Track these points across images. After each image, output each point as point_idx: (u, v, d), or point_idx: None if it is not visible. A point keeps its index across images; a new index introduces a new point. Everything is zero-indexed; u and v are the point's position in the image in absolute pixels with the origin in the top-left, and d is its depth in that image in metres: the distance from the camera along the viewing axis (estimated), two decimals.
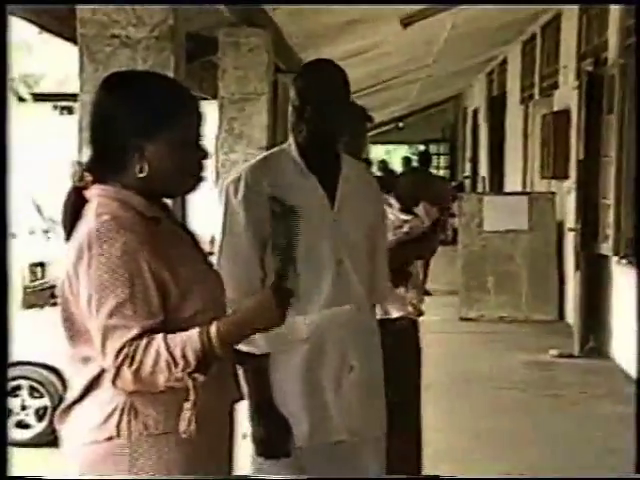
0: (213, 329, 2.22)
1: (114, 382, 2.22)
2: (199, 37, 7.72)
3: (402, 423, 4.07)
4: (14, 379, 6.99)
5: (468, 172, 23.98)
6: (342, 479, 3.13)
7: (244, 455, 3.00)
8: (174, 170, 2.34)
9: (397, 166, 23.47)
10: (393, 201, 4.52)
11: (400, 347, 4.38)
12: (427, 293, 9.92)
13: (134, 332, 2.19)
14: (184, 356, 2.19)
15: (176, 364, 2.19)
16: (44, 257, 11.51)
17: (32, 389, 7.15)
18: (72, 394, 2.34)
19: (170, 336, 2.20)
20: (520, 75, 15.31)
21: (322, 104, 3.08)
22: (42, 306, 9.51)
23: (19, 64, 15.58)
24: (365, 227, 3.20)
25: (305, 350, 3.06)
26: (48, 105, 18.59)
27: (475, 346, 9.80)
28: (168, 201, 2.48)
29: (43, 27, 6.04)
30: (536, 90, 13.69)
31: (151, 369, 2.18)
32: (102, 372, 2.26)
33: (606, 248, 8.79)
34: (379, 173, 17.84)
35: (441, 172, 28.20)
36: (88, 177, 2.35)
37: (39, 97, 18.02)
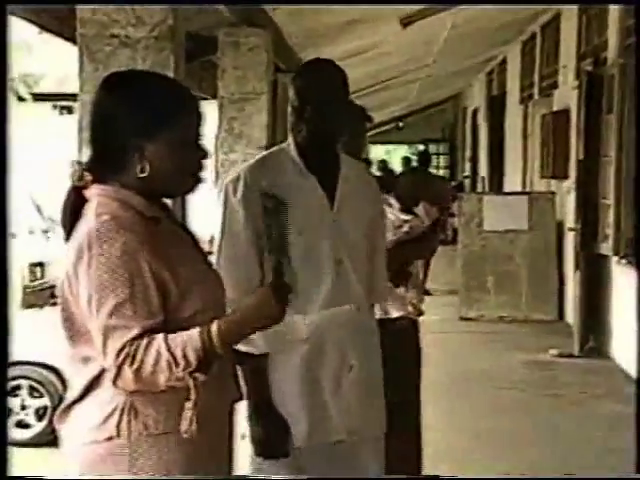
0: (214, 328, 2.22)
1: (115, 382, 2.22)
2: (199, 37, 7.72)
3: (402, 423, 4.07)
4: (14, 379, 6.99)
5: (468, 172, 23.99)
6: (342, 479, 3.12)
7: (243, 455, 3.00)
8: (174, 170, 2.34)
9: (397, 166, 23.47)
10: (393, 201, 4.52)
11: (400, 347, 4.38)
12: (427, 293, 9.93)
13: (134, 332, 2.19)
14: (185, 356, 2.19)
15: (177, 364, 2.19)
16: (44, 257, 11.51)
17: (32, 389, 7.16)
18: (72, 394, 2.34)
19: (171, 336, 2.20)
20: (520, 75, 15.31)
21: (321, 104, 3.08)
22: (42, 306, 9.51)
23: (19, 64, 15.57)
24: (364, 227, 3.20)
25: (304, 350, 3.06)
26: (48, 105, 18.59)
27: (475, 346, 9.80)
28: (168, 201, 2.48)
29: (43, 27, 6.04)
30: (536, 90, 13.69)
31: (152, 369, 2.18)
32: (102, 372, 2.26)
33: (606, 248, 8.79)
34: (379, 173, 17.84)
35: (441, 172, 28.19)
36: (88, 177, 2.35)
37: (39, 97, 18.02)
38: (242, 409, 2.91)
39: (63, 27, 5.50)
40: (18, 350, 4.93)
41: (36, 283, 11.12)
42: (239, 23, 7.68)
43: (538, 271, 11.06)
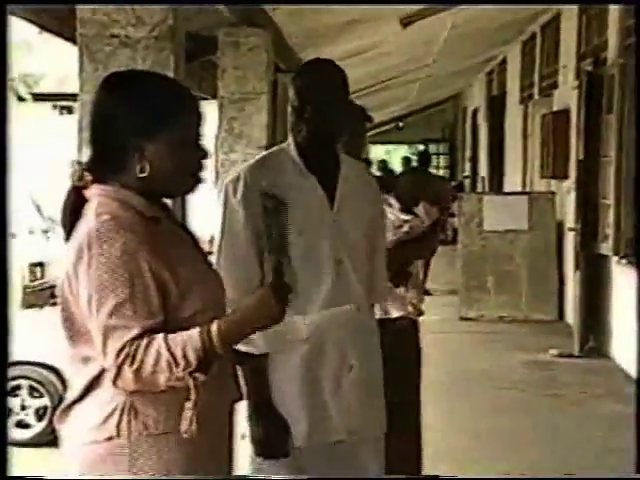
0: (214, 328, 2.22)
1: (115, 382, 2.22)
2: (199, 37, 7.72)
3: (402, 423, 4.07)
4: (14, 379, 6.99)
5: (468, 172, 23.99)
6: (342, 479, 3.12)
7: (243, 455, 3.00)
8: (174, 170, 2.34)
9: (397, 166, 23.47)
10: (393, 201, 4.52)
11: (400, 347, 4.38)
12: (427, 293, 9.92)
13: (134, 332, 2.19)
14: (185, 356, 2.19)
15: (177, 364, 2.19)
16: (44, 257, 11.51)
17: (32, 389, 7.16)
18: (72, 394, 2.33)
19: (171, 336, 2.20)
20: (520, 75, 15.31)
21: (321, 104, 3.08)
22: (42, 306, 9.51)
23: (19, 64, 15.58)
24: (364, 227, 3.20)
25: (304, 350, 3.06)
26: (48, 105, 18.60)
27: (475, 346, 9.80)
28: (168, 201, 2.48)
29: (43, 27, 6.04)
30: (536, 90, 13.69)
31: (152, 369, 2.18)
32: (102, 372, 2.26)
33: (606, 248, 8.80)
34: (379, 173, 17.84)
35: (441, 172, 28.20)
36: (88, 177, 2.35)
37: (39, 97, 18.02)
38: (242, 409, 2.91)
39: (63, 27, 5.50)
40: (18, 350, 4.93)
41: (36, 283, 11.12)
42: (239, 23, 7.68)
43: (538, 271, 11.06)
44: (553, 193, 11.40)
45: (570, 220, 10.09)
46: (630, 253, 8.30)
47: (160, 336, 2.20)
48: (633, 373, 7.85)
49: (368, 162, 12.75)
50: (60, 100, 18.16)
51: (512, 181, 15.89)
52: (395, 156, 31.85)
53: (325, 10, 8.42)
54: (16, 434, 6.95)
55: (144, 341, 2.19)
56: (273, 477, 3.07)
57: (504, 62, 17.39)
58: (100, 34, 4.22)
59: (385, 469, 3.33)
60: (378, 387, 3.26)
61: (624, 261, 8.40)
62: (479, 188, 20.29)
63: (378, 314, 3.99)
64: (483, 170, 20.14)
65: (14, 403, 7.08)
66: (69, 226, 2.33)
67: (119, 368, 2.19)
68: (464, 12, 10.41)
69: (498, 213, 11.19)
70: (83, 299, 2.23)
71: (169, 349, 2.18)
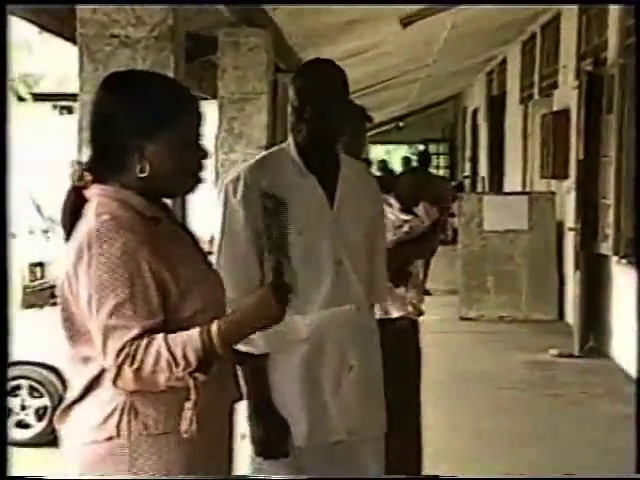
0: (214, 328, 2.22)
1: (115, 382, 2.22)
2: (199, 37, 7.72)
3: (402, 423, 4.07)
4: (14, 379, 6.99)
5: (468, 172, 23.99)
6: (342, 479, 3.12)
7: (243, 455, 3.00)
8: (174, 170, 2.34)
9: (397, 166, 23.47)
10: (393, 201, 4.52)
11: (400, 347, 4.38)
12: (427, 293, 9.92)
13: (134, 332, 2.19)
14: (185, 356, 2.19)
15: (177, 364, 2.19)
16: (44, 257, 11.51)
17: (32, 389, 7.16)
18: (72, 394, 2.33)
19: (171, 336, 2.20)
20: (520, 75, 15.31)
21: (321, 104, 3.08)
22: (42, 306, 9.51)
23: (19, 64, 15.57)
24: (364, 227, 3.20)
25: (304, 350, 3.06)
26: (48, 105, 18.59)
27: (475, 346, 9.80)
28: (168, 201, 2.48)
29: (43, 27, 6.04)
30: (536, 90, 13.69)
31: (152, 369, 2.18)
32: (102, 372, 2.26)
33: (606, 248, 8.80)
34: (379, 173, 17.84)
35: (441, 172, 28.20)
36: (88, 177, 2.35)
37: (39, 97, 18.01)
38: (242, 409, 2.91)
39: (63, 27, 5.50)
40: (18, 350, 4.93)
41: (36, 283, 11.13)
42: (239, 23, 7.68)
43: (538, 271, 11.06)
44: (553, 193, 11.40)
45: (570, 220, 10.09)
46: (630, 253, 8.30)
47: (160, 336, 2.20)
48: (633, 373, 7.85)
49: (368, 162, 12.74)
50: (60, 100, 18.16)
51: (512, 181, 15.89)
52: (395, 156, 31.85)
53: (325, 10, 8.42)
54: (16, 434, 6.95)
55: (144, 341, 2.19)
56: (273, 477, 3.07)
57: (504, 62, 17.39)
58: (100, 34, 4.22)
59: (385, 469, 3.33)
60: (378, 387, 3.26)
61: (624, 261, 8.41)
62: (479, 188, 20.29)
63: (378, 314, 3.99)
64: (483, 170, 20.14)
65: (14, 403, 7.08)
66: (69, 226, 2.33)
67: (119, 368, 2.19)
68: (464, 12, 10.41)
69: (498, 213, 11.19)
70: (83, 299, 2.23)
71: (169, 349, 2.18)
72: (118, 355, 2.18)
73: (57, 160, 10.45)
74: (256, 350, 2.96)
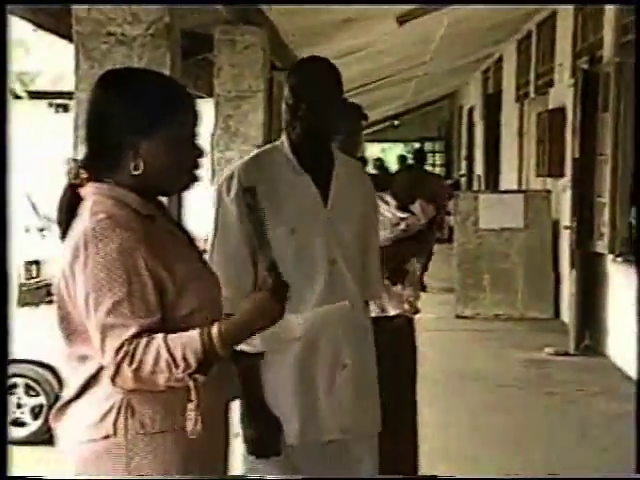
0: (214, 330, 2.21)
1: (114, 380, 2.21)
2: (195, 35, 7.71)
3: (398, 421, 4.08)
4: (10, 377, 6.98)
5: (464, 170, 24.00)
6: (338, 479, 3.12)
7: (236, 454, 3.00)
8: (169, 168, 2.33)
9: (393, 164, 23.47)
10: (389, 199, 4.52)
11: (396, 345, 4.39)
12: (424, 288, 9.91)
13: (132, 330, 2.19)
14: (185, 357, 2.18)
15: (176, 365, 2.18)
16: (39, 255, 11.49)
17: (28, 387, 7.15)
18: (68, 392, 2.33)
19: (170, 336, 2.19)
20: (516, 73, 15.32)
21: (316, 102, 3.07)
22: (37, 304, 9.50)
23: (15, 62, 15.54)
24: (358, 225, 3.19)
25: (298, 349, 3.05)
26: (43, 103, 18.55)
27: (471, 344, 9.81)
28: (163, 199, 2.48)
29: (39, 25, 6.04)
30: (532, 88, 13.69)
31: (151, 369, 2.18)
32: (99, 370, 2.25)
33: (601, 246, 8.80)
34: (375, 171, 17.83)
35: (437, 170, 28.21)
36: (83, 174, 2.35)
37: (34, 95, 17.97)
38: (235, 407, 2.90)
39: (59, 25, 5.50)
40: (14, 348, 4.92)
41: (32, 281, 11.11)
42: (235, 21, 7.68)
43: (534, 269, 11.07)
44: (549, 191, 11.41)
45: (566, 218, 10.10)
46: (625, 251, 8.31)
47: (160, 336, 2.19)
48: (629, 371, 7.86)
49: (364, 160, 12.74)
50: (56, 98, 18.12)
51: (508, 179, 15.90)
52: (391, 154, 31.88)
53: (321, 8, 8.41)
54: (12, 432, 6.94)
55: (143, 341, 2.18)
56: (272, 477, 3.06)
57: (500, 60, 17.40)
58: (96, 32, 4.21)
59: (381, 468, 3.33)
60: (372, 385, 3.25)
61: (620, 259, 8.41)
62: (475, 186, 20.29)
63: (375, 312, 4.00)
64: (479, 168, 20.15)
65: (10, 401, 7.07)
66: (65, 224, 2.33)
67: (118, 366, 2.19)
68: (460, 10, 10.41)
69: (494, 211, 11.19)
70: (80, 298, 2.23)
71: (169, 350, 2.18)
72: (117, 353, 2.18)
73: (53, 158, 10.43)
74: (252, 349, 2.95)
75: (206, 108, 4.85)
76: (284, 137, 3.15)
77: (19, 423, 7.14)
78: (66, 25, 4.53)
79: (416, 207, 4.56)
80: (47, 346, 6.62)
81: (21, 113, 15.46)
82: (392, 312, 4.41)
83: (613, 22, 8.85)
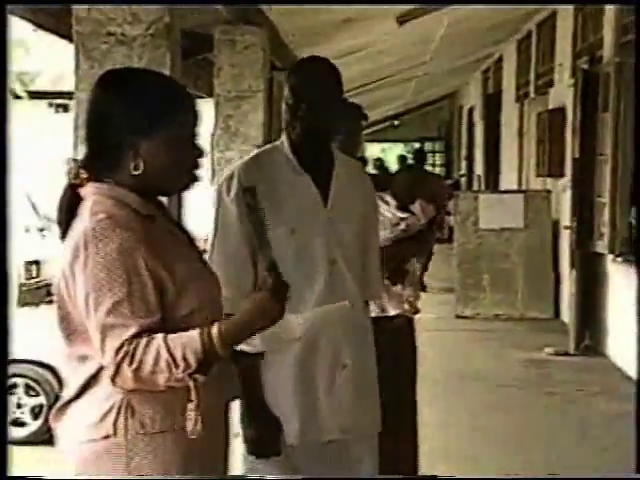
0: (214, 330, 2.21)
1: (114, 380, 2.21)
2: (195, 35, 7.71)
3: (398, 421, 4.08)
4: (10, 377, 6.97)
5: (464, 170, 24.00)
6: (338, 479, 3.12)
7: (236, 454, 3.00)
8: (169, 168, 2.33)
9: (393, 164, 23.47)
10: (390, 199, 4.52)
11: (397, 345, 4.39)
12: (424, 288, 9.91)
13: (133, 330, 2.19)
14: (185, 357, 2.18)
15: (177, 365, 2.18)
16: (39, 255, 11.50)
17: (28, 387, 7.15)
18: (68, 392, 2.33)
19: (170, 336, 2.19)
20: (516, 73, 15.32)
21: (315, 102, 3.06)
22: (37, 304, 9.50)
23: (15, 62, 15.55)
24: (358, 225, 3.19)
25: (298, 349, 3.05)
26: (43, 103, 18.55)
27: (471, 344, 9.81)
28: (163, 199, 2.48)
29: (39, 25, 6.04)
30: (532, 88, 13.69)
31: (151, 369, 2.18)
32: (99, 370, 2.25)
33: (601, 246, 8.80)
34: (375, 171, 17.83)
35: (437, 170, 28.21)
36: (83, 174, 2.35)
37: (34, 95, 17.97)
38: (235, 408, 2.90)
39: (59, 25, 5.50)
40: (14, 348, 4.92)
41: (32, 281, 11.11)
42: (235, 21, 7.68)
43: (534, 269, 11.07)
44: (549, 191, 11.41)
45: (566, 218, 10.10)
46: (625, 251, 8.31)
47: (160, 336, 2.19)
48: (629, 371, 7.86)
49: (364, 160, 12.74)
50: (56, 98, 18.12)
51: (508, 179, 15.90)
52: (391, 154, 31.87)
53: (321, 8, 8.41)
54: (12, 432, 6.93)
55: (143, 340, 2.18)
56: (272, 477, 3.06)
57: (500, 60, 17.40)
58: (96, 32, 4.21)
59: (382, 468, 3.33)
60: (372, 385, 3.25)
61: (620, 259, 8.42)
62: (475, 186, 20.29)
63: (375, 312, 4.00)
64: (479, 168, 20.15)
65: (10, 401, 7.07)
66: (65, 224, 2.33)
67: (118, 366, 2.19)
68: (460, 10, 10.41)
69: (494, 211, 11.19)
70: (80, 298, 2.23)
71: (169, 350, 2.18)
72: (117, 353, 2.18)
73: (53, 158, 10.43)
74: (251, 349, 2.95)
75: (206, 108, 4.85)
76: (284, 137, 3.15)
77: (19, 423, 7.14)
78: (66, 25, 4.53)
79: (416, 207, 4.56)
80: (47, 346, 6.62)
81: (21, 113, 15.46)
82: (392, 312, 4.41)
83: (613, 22, 8.86)
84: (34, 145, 16.28)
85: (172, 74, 4.11)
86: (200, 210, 4.96)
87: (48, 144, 15.39)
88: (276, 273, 2.32)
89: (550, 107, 11.75)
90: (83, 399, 2.29)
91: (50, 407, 6.58)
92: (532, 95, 13.63)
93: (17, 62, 15.87)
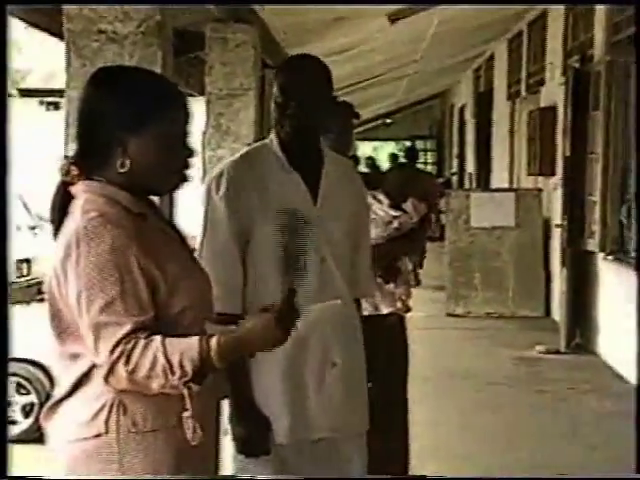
0: (213, 341, 2.19)
1: (107, 379, 2.20)
2: (186, 33, 7.70)
3: (389, 420, 4.08)
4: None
5: (455, 169, 24.02)
6: (330, 479, 3.12)
7: (225, 453, 3.00)
8: (156, 166, 2.32)
9: (384, 163, 23.47)
10: (382, 197, 4.52)
11: (390, 343, 4.39)
12: (419, 282, 9.90)
13: (127, 328, 2.17)
14: (182, 365, 2.16)
15: (173, 372, 2.16)
16: (30, 253, 11.48)
17: (19, 385, 7.13)
18: (60, 391, 2.32)
19: (169, 341, 2.18)
20: (507, 72, 15.33)
21: (305, 100, 3.06)
22: (28, 302, 9.47)
23: (8, 61, 15.51)
24: (348, 223, 3.18)
25: (287, 347, 3.03)
26: (34, 101, 18.52)
27: (461, 342, 9.82)
28: (155, 198, 2.47)
29: (31, 23, 6.02)
30: (523, 87, 13.71)
31: (147, 373, 2.16)
32: (91, 369, 2.24)
33: (592, 244, 8.82)
34: (366, 170, 17.83)
35: (428, 168, 28.22)
36: (74, 171, 2.34)
37: (25, 93, 17.95)
38: (225, 406, 2.90)
39: (50, 23, 5.49)
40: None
41: (23, 279, 11.09)
42: (226, 19, 7.67)
43: (525, 267, 11.08)
44: (540, 190, 11.43)
45: (557, 217, 10.12)
46: (616, 249, 8.33)
47: (158, 339, 2.17)
48: (619, 369, 7.88)
49: (356, 159, 12.74)
50: (47, 96, 18.09)
51: (499, 178, 15.92)
52: (382, 153, 31.84)
53: (312, 6, 8.41)
54: None
55: (141, 342, 2.17)
56: (262, 477, 3.06)
57: (491, 59, 17.41)
58: (87, 30, 4.21)
59: (372, 467, 3.33)
60: (361, 384, 3.25)
61: (610, 257, 8.43)
62: (466, 185, 20.32)
63: (368, 310, 4.00)
64: (470, 167, 20.17)
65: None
66: (57, 222, 2.33)
67: (112, 366, 2.18)
68: (451, 9, 10.42)
69: (485, 210, 11.21)
70: (72, 297, 2.22)
71: (166, 355, 2.16)
72: (112, 352, 2.17)
73: (44, 156, 10.42)
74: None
75: (197, 106, 4.85)
76: (273, 135, 3.15)
77: (10, 421, 7.13)
78: (57, 23, 4.52)
79: (408, 205, 4.57)
80: (38, 344, 6.60)
81: (12, 111, 15.41)
82: (385, 310, 4.42)
83: (604, 21, 8.87)
84: (25, 143, 16.24)
85: (163, 72, 4.11)
86: (191, 209, 4.96)
87: (39, 142, 15.36)
88: (290, 300, 2.27)
89: (541, 106, 11.76)
90: (74, 397, 2.28)
91: (41, 405, 6.57)
92: (523, 94, 13.65)
93: (9, 60, 15.83)
